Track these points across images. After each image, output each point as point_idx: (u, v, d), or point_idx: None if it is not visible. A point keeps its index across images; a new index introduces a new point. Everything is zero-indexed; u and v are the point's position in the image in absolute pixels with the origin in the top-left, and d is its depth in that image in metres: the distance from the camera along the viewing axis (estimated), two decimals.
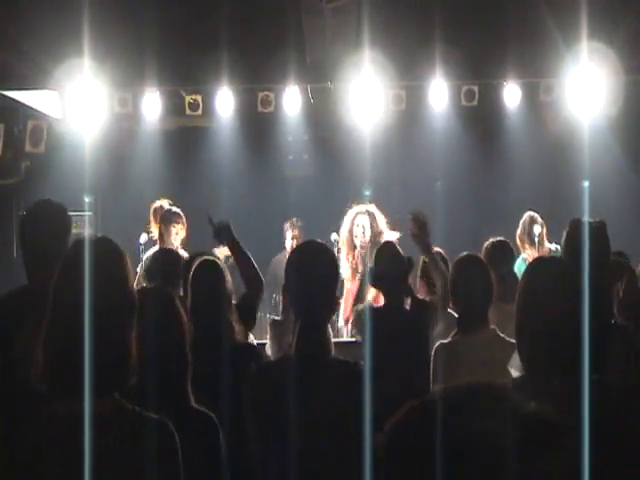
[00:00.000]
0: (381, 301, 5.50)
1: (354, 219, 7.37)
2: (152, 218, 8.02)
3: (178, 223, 7.82)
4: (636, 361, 3.73)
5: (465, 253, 5.02)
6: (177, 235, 7.77)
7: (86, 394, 2.35)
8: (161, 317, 3.01)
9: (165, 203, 8.06)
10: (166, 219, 7.83)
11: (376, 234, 7.23)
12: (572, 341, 2.88)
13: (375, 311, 5.21)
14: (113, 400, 2.45)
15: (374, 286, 5.51)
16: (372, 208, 7.42)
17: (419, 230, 5.35)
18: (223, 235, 5.21)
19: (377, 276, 5.32)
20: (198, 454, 2.82)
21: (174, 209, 7.96)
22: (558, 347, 2.92)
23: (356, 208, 7.43)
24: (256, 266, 5.02)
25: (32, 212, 4.19)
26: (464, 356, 4.48)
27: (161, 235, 7.79)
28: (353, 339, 6.17)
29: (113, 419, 2.42)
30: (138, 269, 7.57)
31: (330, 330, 3.44)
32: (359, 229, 7.32)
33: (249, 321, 4.91)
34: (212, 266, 4.41)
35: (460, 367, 4.45)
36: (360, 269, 7.18)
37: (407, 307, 5.28)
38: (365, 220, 7.34)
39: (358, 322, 5.47)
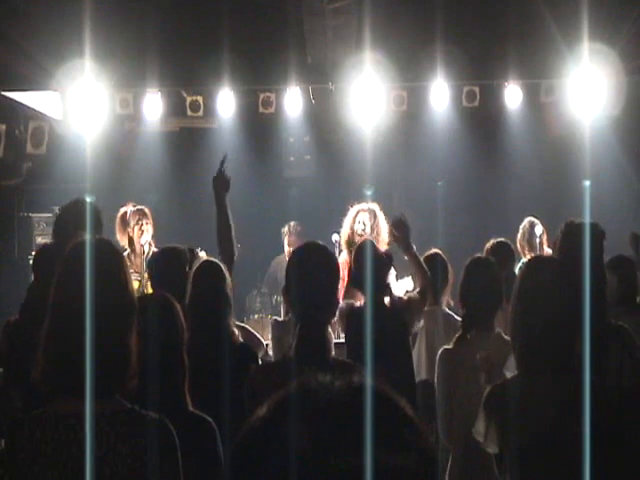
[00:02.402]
0: (362, 299, 5.52)
1: (356, 216, 7.36)
2: (118, 228, 7.65)
3: (142, 220, 7.58)
4: (631, 361, 3.73)
5: (477, 255, 5.02)
6: (144, 232, 7.54)
7: (87, 395, 2.36)
8: (160, 323, 3.01)
9: (129, 207, 7.74)
10: (130, 222, 7.60)
11: (377, 233, 7.21)
12: (567, 341, 2.89)
13: (357, 310, 5.27)
14: (113, 400, 2.46)
15: (354, 286, 5.53)
16: (374, 207, 7.39)
17: (399, 232, 5.56)
18: (222, 184, 5.21)
19: (356, 276, 5.35)
20: (196, 458, 2.83)
21: (136, 208, 7.68)
22: (553, 346, 2.92)
23: (358, 206, 7.41)
24: (233, 235, 5.08)
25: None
26: (468, 361, 4.47)
27: (131, 239, 7.54)
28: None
29: (113, 418, 2.43)
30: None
31: (331, 331, 3.44)
32: (360, 226, 7.31)
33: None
34: (213, 267, 4.41)
35: (464, 372, 4.44)
36: None
37: (386, 304, 5.34)
38: (366, 217, 7.33)
39: (341, 319, 5.50)
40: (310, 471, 0.99)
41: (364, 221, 7.30)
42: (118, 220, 7.67)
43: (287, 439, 1.02)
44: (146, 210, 7.69)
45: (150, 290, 5.72)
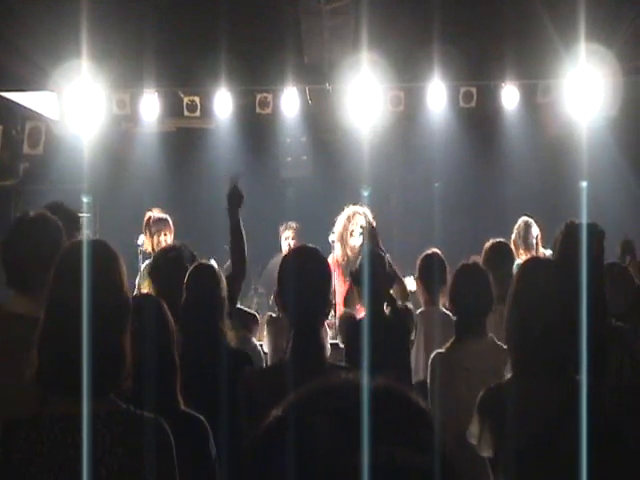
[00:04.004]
0: (362, 309, 5.55)
1: (351, 219, 7.37)
2: (145, 231, 7.82)
3: (161, 231, 7.72)
4: (631, 362, 3.72)
5: (465, 261, 5.03)
6: (161, 243, 7.63)
7: (84, 395, 2.35)
8: (150, 323, 3.01)
9: (154, 212, 7.88)
10: (152, 230, 7.72)
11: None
12: (564, 342, 2.88)
13: (358, 322, 5.28)
14: (109, 401, 2.46)
15: (356, 286, 5.56)
16: (367, 211, 7.42)
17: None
18: (234, 203, 5.19)
19: (360, 279, 5.37)
20: (189, 457, 2.82)
21: (159, 216, 7.81)
22: (550, 348, 2.91)
23: (352, 208, 7.43)
24: (246, 252, 5.06)
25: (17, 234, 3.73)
26: (461, 365, 4.48)
27: (152, 246, 7.67)
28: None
29: (109, 419, 2.43)
30: (139, 273, 7.56)
31: (325, 334, 3.44)
32: (357, 229, 7.33)
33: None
34: (208, 271, 4.39)
35: (456, 376, 4.45)
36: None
37: (388, 313, 5.36)
38: (363, 222, 7.35)
39: (341, 330, 5.51)
40: (329, 469, 0.99)
41: (361, 225, 7.33)
42: (144, 225, 7.79)
43: (308, 436, 1.02)
44: (164, 218, 7.79)
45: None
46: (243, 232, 5.07)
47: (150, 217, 7.83)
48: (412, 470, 1.00)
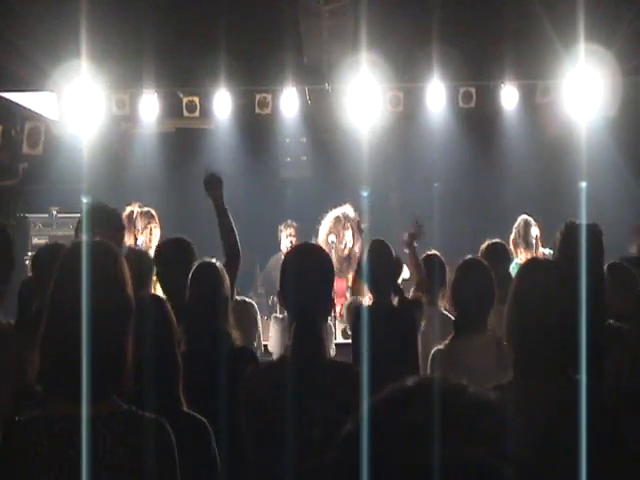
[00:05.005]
0: (368, 298, 5.55)
1: (337, 223, 7.46)
2: (127, 226, 7.68)
3: (151, 223, 7.67)
4: (630, 362, 3.73)
5: (469, 257, 5.02)
6: (154, 236, 7.58)
7: (84, 396, 2.35)
8: (152, 323, 3.00)
9: (135, 207, 7.71)
10: (140, 224, 7.61)
11: (344, 242, 7.41)
12: (564, 344, 2.88)
13: (365, 309, 5.28)
14: (110, 401, 2.46)
15: (362, 278, 5.58)
16: (349, 211, 7.49)
17: (413, 237, 5.68)
18: (213, 186, 5.16)
19: (367, 271, 5.38)
20: (190, 459, 2.82)
21: (145, 210, 7.70)
22: (550, 349, 2.91)
23: (334, 212, 7.52)
24: (237, 235, 5.02)
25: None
26: (462, 362, 4.46)
27: (136, 240, 7.51)
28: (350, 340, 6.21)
29: (110, 420, 2.43)
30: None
31: (327, 330, 3.46)
32: (348, 234, 7.42)
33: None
34: (211, 269, 4.38)
35: (457, 373, 4.43)
36: (344, 268, 7.28)
37: (395, 304, 5.36)
38: (338, 230, 7.45)
39: (348, 318, 5.51)
40: (406, 468, 1.01)
41: (335, 235, 7.42)
42: (124, 219, 7.65)
43: (388, 436, 1.03)
44: (153, 212, 7.71)
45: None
46: (230, 216, 5.02)
47: (133, 212, 7.71)
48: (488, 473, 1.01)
